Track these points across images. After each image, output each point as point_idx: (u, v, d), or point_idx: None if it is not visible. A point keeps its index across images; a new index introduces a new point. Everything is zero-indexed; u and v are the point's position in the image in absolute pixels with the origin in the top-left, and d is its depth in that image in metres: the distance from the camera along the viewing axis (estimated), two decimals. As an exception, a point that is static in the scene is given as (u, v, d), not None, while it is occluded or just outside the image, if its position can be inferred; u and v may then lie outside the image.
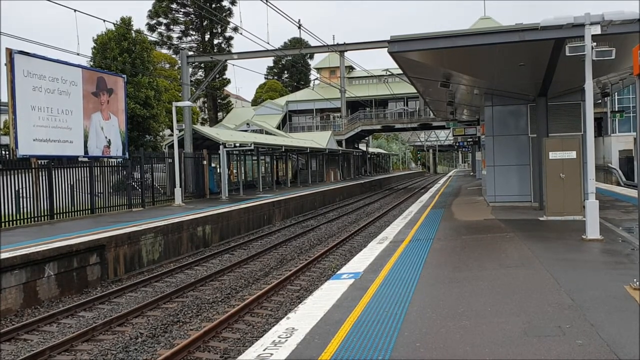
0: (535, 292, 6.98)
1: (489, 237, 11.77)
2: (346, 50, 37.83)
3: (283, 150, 33.05)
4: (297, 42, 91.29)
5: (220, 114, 65.14)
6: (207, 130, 30.75)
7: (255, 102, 79.59)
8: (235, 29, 62.35)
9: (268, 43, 24.55)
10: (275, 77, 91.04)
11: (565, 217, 13.38)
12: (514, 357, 4.86)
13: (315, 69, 72.60)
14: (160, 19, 61.02)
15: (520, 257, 9.31)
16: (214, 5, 61.53)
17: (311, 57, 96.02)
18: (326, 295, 7.31)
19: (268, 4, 18.52)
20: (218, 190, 28.72)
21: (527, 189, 17.55)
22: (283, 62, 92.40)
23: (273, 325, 7.27)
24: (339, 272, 9.15)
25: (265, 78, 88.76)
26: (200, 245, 17.96)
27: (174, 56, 63.09)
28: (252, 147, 27.21)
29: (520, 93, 16.71)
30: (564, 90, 16.12)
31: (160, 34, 61.43)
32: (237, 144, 26.69)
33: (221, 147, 26.73)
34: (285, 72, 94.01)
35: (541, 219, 13.86)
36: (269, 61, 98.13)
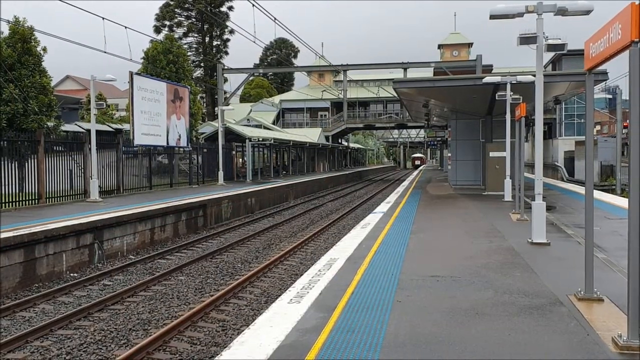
0: (471, 219, 14.76)
1: (450, 200, 19.61)
2: (348, 70, 45.81)
3: (291, 144, 40.52)
4: (282, 42, 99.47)
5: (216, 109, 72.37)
6: (237, 128, 37.87)
7: (244, 97, 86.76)
8: (232, 32, 70.02)
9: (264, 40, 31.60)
10: (261, 74, 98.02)
11: (497, 192, 21.29)
12: (458, 243, 12.60)
13: (306, 72, 79.80)
14: (166, 22, 67.97)
15: (465, 207, 17.13)
16: (214, 10, 68.35)
17: (295, 56, 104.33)
18: (365, 225, 14.91)
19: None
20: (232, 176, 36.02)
21: (478, 176, 25.52)
22: (269, 61, 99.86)
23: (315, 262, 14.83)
24: (374, 210, 16.72)
25: (253, 75, 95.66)
26: (249, 212, 25.36)
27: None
28: (273, 142, 34.63)
29: (475, 112, 24.64)
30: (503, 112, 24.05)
31: (159, 31, 67.85)
32: (260, 139, 34.04)
33: (247, 141, 34.06)
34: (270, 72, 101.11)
35: (484, 193, 21.80)
36: (256, 58, 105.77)
